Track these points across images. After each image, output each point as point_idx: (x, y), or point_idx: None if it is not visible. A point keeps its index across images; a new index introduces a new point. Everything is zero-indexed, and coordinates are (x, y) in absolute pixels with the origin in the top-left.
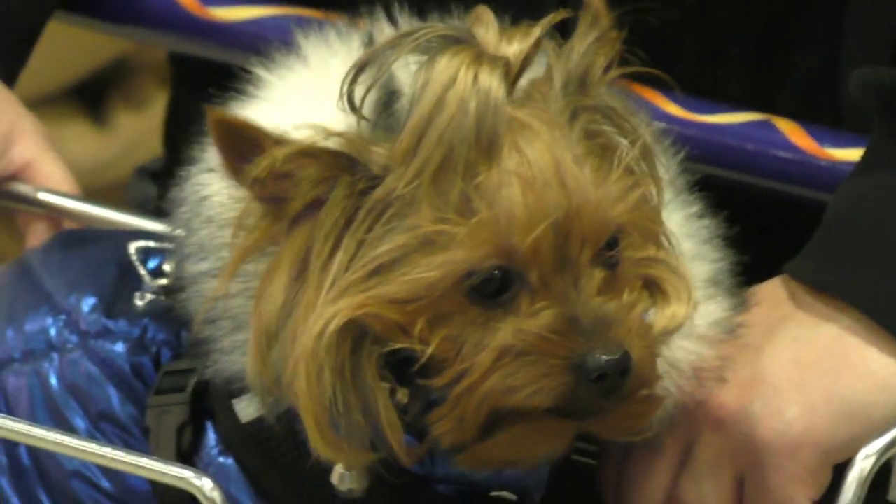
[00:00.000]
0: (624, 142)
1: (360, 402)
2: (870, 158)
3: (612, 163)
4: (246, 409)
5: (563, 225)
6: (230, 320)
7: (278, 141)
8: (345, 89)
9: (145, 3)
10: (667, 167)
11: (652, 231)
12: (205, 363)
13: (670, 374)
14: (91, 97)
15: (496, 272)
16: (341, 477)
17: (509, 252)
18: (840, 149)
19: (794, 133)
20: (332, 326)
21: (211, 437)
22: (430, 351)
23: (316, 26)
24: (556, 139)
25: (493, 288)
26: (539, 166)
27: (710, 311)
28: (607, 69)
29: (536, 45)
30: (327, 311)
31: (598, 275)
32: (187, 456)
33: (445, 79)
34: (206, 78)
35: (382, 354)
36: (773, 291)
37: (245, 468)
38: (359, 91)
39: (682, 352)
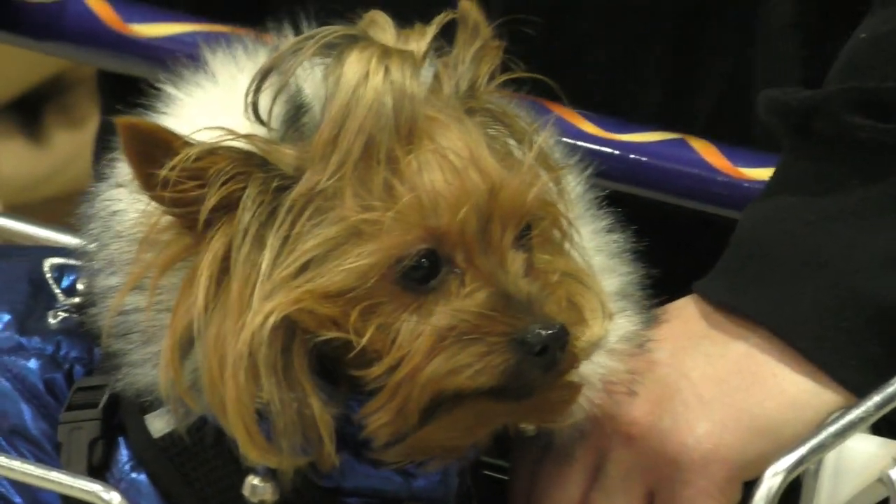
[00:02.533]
0: (517, 144)
1: (293, 400)
2: (778, 179)
3: (513, 157)
4: (157, 423)
5: (484, 206)
6: (140, 333)
7: (187, 142)
8: (249, 99)
9: (66, 19)
10: (575, 182)
11: (560, 224)
12: (115, 377)
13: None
14: (27, 113)
15: (424, 256)
16: (253, 489)
17: (436, 234)
18: (753, 168)
19: (706, 151)
20: (269, 323)
21: (123, 452)
22: (364, 341)
23: (223, 42)
24: (466, 130)
25: (422, 273)
26: (455, 152)
27: (619, 324)
28: (492, 77)
29: (431, 44)
30: (263, 308)
31: (521, 257)
32: (99, 471)
33: (358, 72)
34: (131, 93)
35: (310, 350)
36: (683, 309)
37: (157, 483)
38: (265, 100)
39: (591, 365)
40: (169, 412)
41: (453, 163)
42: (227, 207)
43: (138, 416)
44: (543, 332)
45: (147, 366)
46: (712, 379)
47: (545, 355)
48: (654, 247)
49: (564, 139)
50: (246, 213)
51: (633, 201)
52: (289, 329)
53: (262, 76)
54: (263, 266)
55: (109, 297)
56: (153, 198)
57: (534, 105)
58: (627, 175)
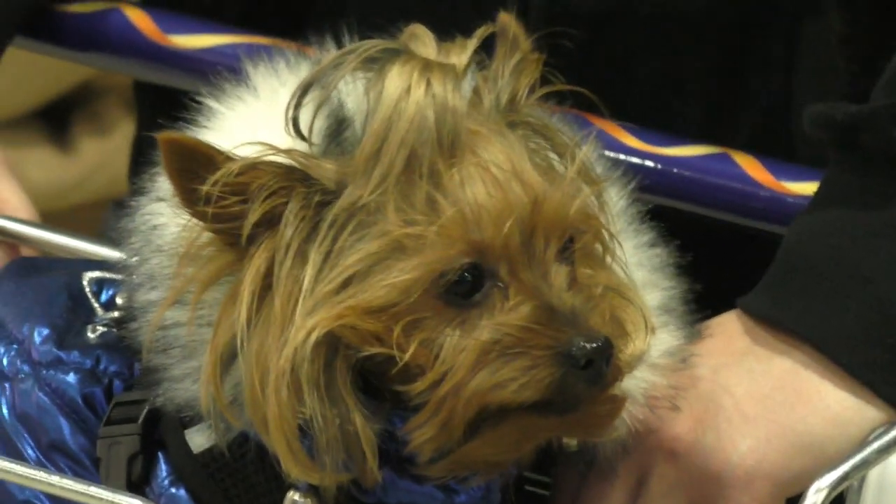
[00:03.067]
0: (558, 158)
1: (336, 416)
2: (824, 193)
3: (555, 170)
4: (197, 439)
5: (527, 220)
6: (181, 348)
7: (229, 157)
8: (290, 114)
9: (106, 30)
10: (617, 196)
11: (602, 237)
12: (156, 392)
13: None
14: (55, 121)
15: (468, 271)
16: None
17: (479, 249)
18: (796, 182)
19: (750, 166)
20: (312, 339)
21: (162, 467)
22: (407, 356)
23: (265, 55)
24: (508, 143)
25: (465, 287)
26: (498, 165)
27: (662, 339)
28: (532, 90)
29: (472, 58)
30: (306, 324)
31: (564, 270)
32: (138, 486)
33: (399, 86)
34: (170, 106)
35: (352, 365)
36: (727, 324)
37: (197, 499)
38: (305, 115)
39: (634, 380)
40: (209, 427)
41: (496, 176)
42: (270, 223)
43: (178, 431)
44: (588, 346)
45: (187, 381)
46: (756, 395)
47: (590, 368)
48: (697, 261)
49: (607, 153)
50: (288, 228)
51: (676, 216)
52: (331, 345)
53: (303, 90)
54: (306, 281)
55: (150, 312)
56: (195, 214)
57: (575, 118)
58: (670, 189)
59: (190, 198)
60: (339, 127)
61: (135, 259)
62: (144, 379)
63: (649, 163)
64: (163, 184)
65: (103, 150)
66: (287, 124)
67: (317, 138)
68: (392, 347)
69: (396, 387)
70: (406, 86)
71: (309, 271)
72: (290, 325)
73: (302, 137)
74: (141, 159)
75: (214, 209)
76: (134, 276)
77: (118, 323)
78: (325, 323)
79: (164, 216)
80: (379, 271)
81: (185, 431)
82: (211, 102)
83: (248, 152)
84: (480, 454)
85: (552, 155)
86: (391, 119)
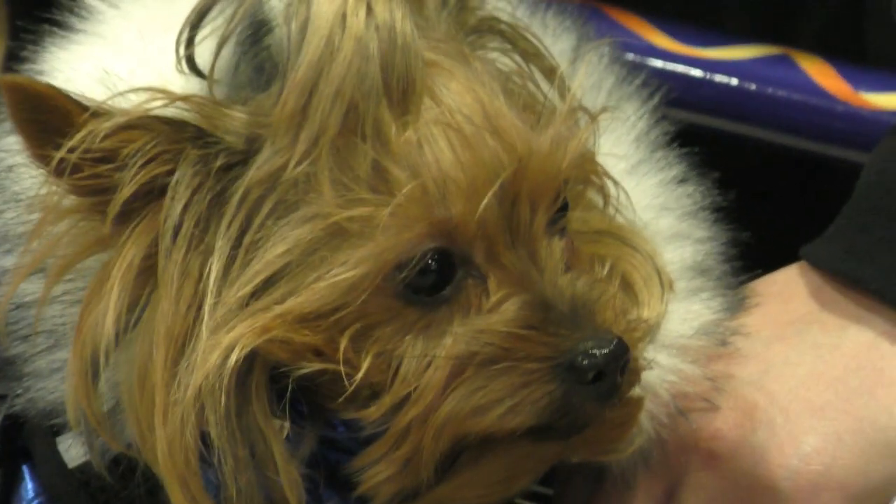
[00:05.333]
0: (527, 68)
1: (249, 454)
2: None
3: (537, 102)
4: (73, 449)
5: (508, 185)
6: (47, 334)
7: (95, 113)
8: (181, 51)
9: None
10: (636, 116)
11: (604, 185)
12: (15, 390)
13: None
14: None
15: (433, 259)
16: None
17: (446, 229)
18: (880, 93)
19: (819, 72)
20: (232, 362)
21: (28, 485)
22: (359, 376)
23: None
24: (474, 76)
25: (430, 280)
26: (465, 113)
27: (694, 311)
28: None
29: None
30: (221, 342)
31: (558, 245)
32: None
33: (331, 13)
34: (43, 7)
35: (268, 384)
36: (785, 284)
37: None
38: (206, 44)
39: (656, 369)
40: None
41: (463, 129)
42: (149, 196)
43: (48, 438)
44: (598, 353)
45: (55, 377)
46: (823, 378)
47: (601, 382)
48: (745, 202)
49: (627, 57)
50: (176, 204)
51: (717, 140)
52: (245, 362)
53: (200, 16)
54: (211, 280)
55: (4, 285)
56: (52, 175)
57: (583, 10)
58: (710, 104)
59: (45, 158)
60: (256, 32)
61: None
62: (2, 371)
63: (684, 68)
64: None
65: None
66: (179, 61)
67: (221, 75)
68: (337, 363)
69: (340, 413)
70: (340, 12)
71: (214, 266)
72: (192, 341)
73: (198, 74)
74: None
75: (74, 180)
76: None
77: None
78: (248, 339)
79: (21, 155)
80: (313, 266)
81: (58, 439)
82: None
83: (132, 99)
84: (459, 497)
85: (523, 64)
86: (321, 61)
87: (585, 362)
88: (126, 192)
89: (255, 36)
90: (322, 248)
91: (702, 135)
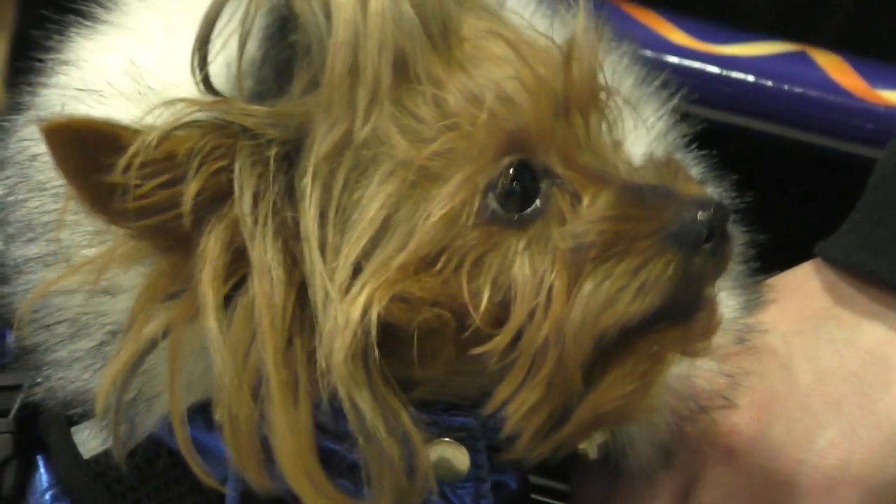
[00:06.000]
0: None
1: (388, 428)
2: None
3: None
4: (89, 441)
5: (561, 90)
6: (68, 323)
7: (138, 130)
8: (197, 76)
9: None
10: (655, 116)
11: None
12: (34, 379)
13: (660, 395)
14: None
15: (517, 174)
16: None
17: (520, 140)
18: (895, 90)
19: (836, 69)
20: (373, 317)
21: (43, 476)
22: (482, 307)
23: None
24: (493, 9)
25: (519, 198)
26: (504, 36)
27: None
28: None
29: None
30: (358, 299)
31: (617, 146)
32: (12, 501)
33: None
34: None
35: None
36: (801, 280)
37: None
38: (221, 58)
39: (675, 366)
40: (105, 428)
41: (506, 49)
42: (215, 197)
43: (64, 429)
44: (703, 213)
45: (76, 367)
46: (839, 372)
47: (714, 239)
48: (763, 202)
49: (645, 53)
50: (245, 193)
51: (735, 139)
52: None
53: (210, 22)
54: (313, 256)
55: (27, 272)
56: (113, 219)
57: (602, 7)
58: (729, 101)
59: (101, 197)
60: (283, 25)
61: (9, 199)
62: (20, 360)
63: (702, 65)
64: (48, 97)
65: None
66: (196, 82)
67: (252, 49)
68: (458, 303)
69: (461, 352)
70: None
71: (312, 246)
72: (304, 324)
73: (217, 95)
74: (20, 64)
75: (137, 202)
76: (7, 224)
77: None
78: (381, 293)
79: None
80: (412, 212)
81: (73, 430)
82: None
83: (161, 115)
84: (609, 399)
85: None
86: (355, 18)
87: (696, 222)
88: (193, 187)
89: (281, 31)
90: (414, 193)
91: (719, 133)
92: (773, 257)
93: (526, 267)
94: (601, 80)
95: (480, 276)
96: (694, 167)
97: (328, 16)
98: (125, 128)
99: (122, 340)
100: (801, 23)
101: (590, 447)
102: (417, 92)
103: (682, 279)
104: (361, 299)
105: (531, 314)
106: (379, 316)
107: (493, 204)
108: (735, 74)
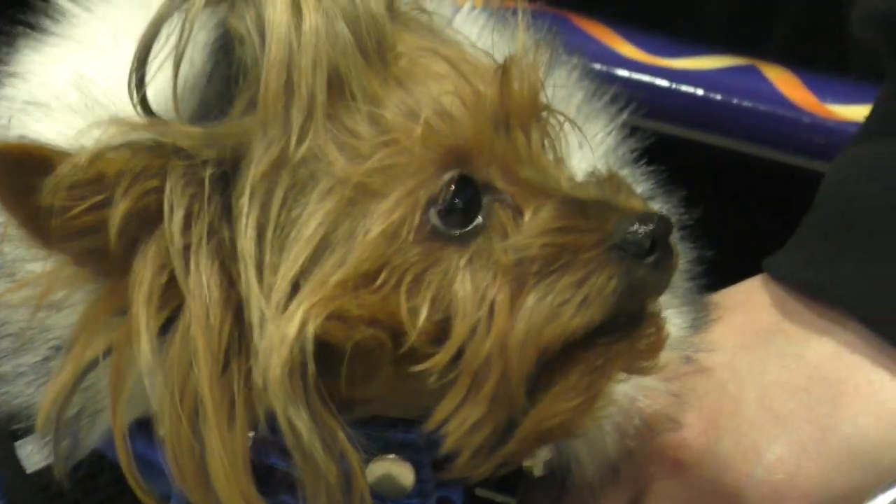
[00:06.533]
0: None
1: (320, 443)
2: (876, 118)
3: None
4: (33, 455)
5: (499, 105)
6: (12, 338)
7: (68, 153)
8: (135, 97)
9: None
10: (604, 132)
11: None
12: None
13: (606, 410)
14: None
15: (458, 190)
16: None
17: (461, 154)
18: (843, 104)
19: (785, 83)
20: (310, 332)
21: None
22: (420, 321)
23: None
24: (433, 30)
25: (461, 208)
26: (441, 52)
27: None
28: None
29: None
30: (294, 316)
31: (559, 161)
32: None
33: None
34: (15, 7)
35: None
36: (748, 295)
37: None
38: (160, 79)
39: (621, 385)
40: (48, 444)
41: (443, 64)
42: (146, 218)
43: (8, 443)
44: (646, 225)
45: (20, 382)
46: (787, 387)
47: (657, 250)
48: (710, 218)
49: (594, 66)
50: (176, 214)
51: (684, 152)
52: (302, 355)
53: (146, 46)
54: (249, 275)
55: None
56: (48, 243)
57: (547, 17)
58: (677, 114)
59: (34, 220)
60: (227, 44)
61: None
62: None
63: (650, 78)
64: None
65: None
66: (133, 104)
67: (189, 102)
68: (396, 321)
69: (406, 368)
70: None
71: (248, 266)
72: (246, 336)
73: (152, 115)
74: None
75: (65, 223)
76: None
77: None
78: (318, 310)
79: None
80: (351, 229)
81: (17, 444)
82: (64, 1)
83: (94, 136)
84: (553, 414)
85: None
86: (289, 35)
87: (640, 233)
88: (122, 208)
89: (227, 47)
90: (353, 210)
91: (668, 146)
92: (722, 272)
93: (467, 283)
94: (542, 97)
95: (420, 293)
96: (643, 182)
97: (262, 34)
98: (55, 150)
99: (64, 359)
100: (749, 36)
101: (535, 465)
102: (354, 109)
103: (625, 292)
104: (298, 316)
105: (473, 330)
106: (316, 334)
107: (434, 220)
108: (685, 88)
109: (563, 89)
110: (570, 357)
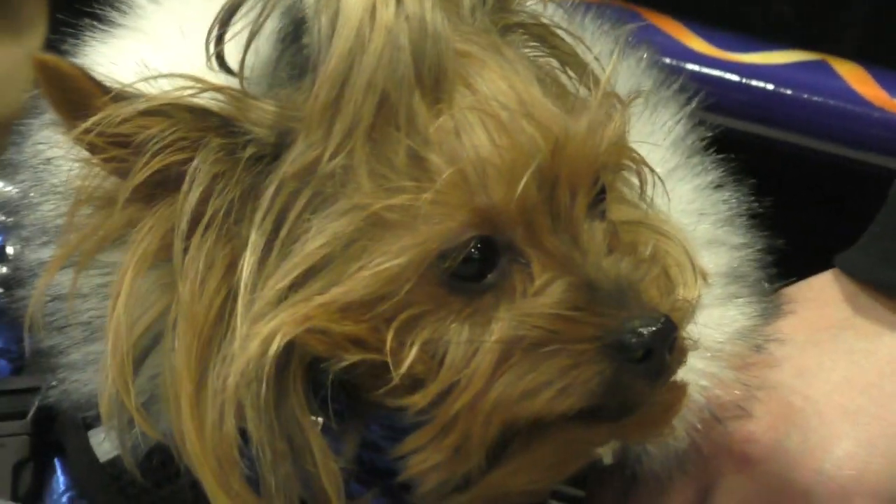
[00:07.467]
0: (560, 66)
1: (287, 447)
2: None
3: (568, 91)
4: (105, 444)
5: (547, 168)
6: (82, 326)
7: (118, 96)
8: (212, 49)
9: None
10: (673, 121)
11: (641, 171)
12: (49, 381)
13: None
14: None
15: (476, 247)
16: None
17: (488, 216)
18: None
19: (856, 79)
20: (273, 351)
21: (60, 479)
22: (405, 366)
23: None
24: (508, 64)
25: (474, 268)
26: (499, 100)
27: (729, 317)
28: None
29: None
30: (261, 331)
31: (599, 227)
32: (28, 502)
33: (361, 6)
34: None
35: (306, 377)
36: (820, 290)
37: None
38: (236, 43)
39: (691, 374)
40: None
41: (499, 115)
42: (167, 184)
43: (80, 432)
44: (646, 331)
45: (90, 369)
46: (857, 383)
47: (650, 360)
48: (781, 209)
49: (663, 60)
50: (193, 191)
51: (754, 146)
52: (284, 354)
53: (230, 12)
54: (246, 272)
55: (41, 277)
56: (85, 156)
57: (622, 13)
58: (747, 109)
59: (76, 134)
60: (296, 31)
61: (24, 202)
62: (36, 362)
63: (720, 73)
64: None
65: (14, 57)
66: (208, 56)
67: (259, 72)
68: (381, 353)
69: (384, 401)
70: (370, 4)
71: (248, 258)
72: (227, 332)
73: (228, 71)
74: None
75: (100, 159)
76: (22, 227)
77: (4, 283)
78: (289, 328)
79: (60, 147)
80: (355, 256)
81: (90, 433)
82: None
83: (162, 86)
84: (512, 483)
85: (558, 66)
86: (352, 53)
87: (634, 340)
88: (137, 178)
89: (295, 33)
90: (362, 238)
91: (738, 140)
92: (789, 264)
93: (463, 336)
94: (610, 153)
95: (412, 332)
96: (712, 171)
97: (327, 41)
98: (101, 87)
99: (108, 338)
100: (821, 32)
101: (605, 451)
102: (395, 139)
103: (610, 389)
104: (268, 328)
105: (453, 384)
106: (286, 347)
107: (444, 271)
108: (755, 82)
109: (631, 80)
110: (543, 433)
